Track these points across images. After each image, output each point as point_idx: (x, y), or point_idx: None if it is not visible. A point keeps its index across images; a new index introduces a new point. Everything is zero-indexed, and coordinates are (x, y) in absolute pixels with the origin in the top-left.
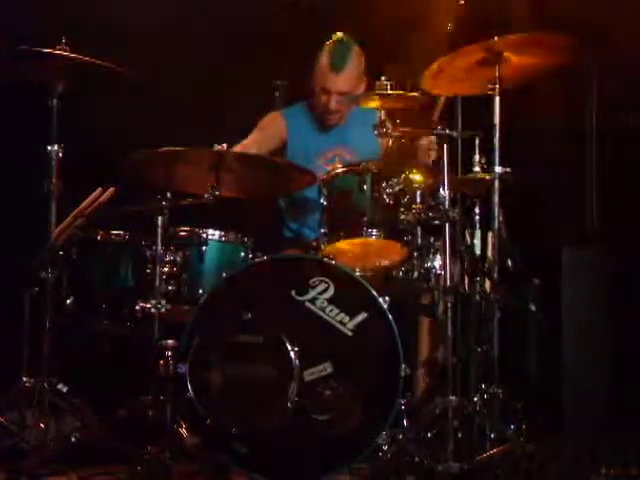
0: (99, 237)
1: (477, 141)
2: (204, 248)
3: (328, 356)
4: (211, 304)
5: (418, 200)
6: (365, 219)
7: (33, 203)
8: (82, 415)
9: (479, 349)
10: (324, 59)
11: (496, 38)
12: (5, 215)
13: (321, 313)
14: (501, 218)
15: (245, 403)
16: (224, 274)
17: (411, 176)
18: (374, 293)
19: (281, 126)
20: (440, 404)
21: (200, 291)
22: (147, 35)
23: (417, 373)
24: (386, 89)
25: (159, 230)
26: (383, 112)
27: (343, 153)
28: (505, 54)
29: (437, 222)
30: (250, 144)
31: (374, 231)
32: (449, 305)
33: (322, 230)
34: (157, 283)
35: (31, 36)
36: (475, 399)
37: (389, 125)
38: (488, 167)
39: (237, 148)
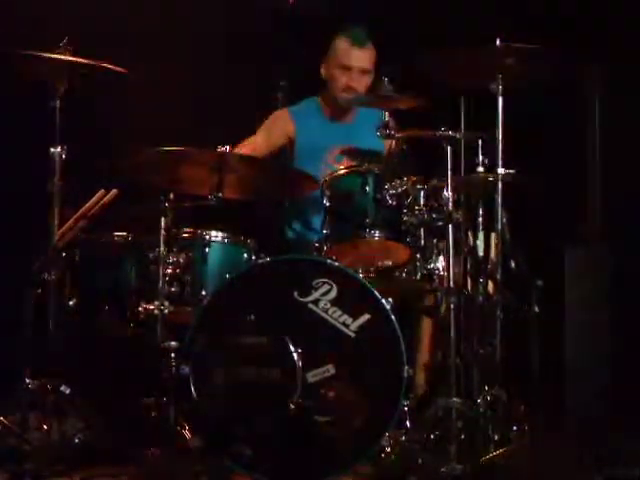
0: (102, 239)
1: (480, 142)
2: (207, 249)
3: (331, 358)
4: (214, 305)
5: (421, 201)
6: (368, 220)
7: (35, 204)
8: (85, 416)
9: (482, 350)
10: (343, 39)
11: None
12: (7, 216)
13: (324, 314)
14: (504, 219)
15: (248, 405)
16: (227, 275)
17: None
18: (377, 294)
19: (288, 124)
20: (443, 406)
21: (203, 292)
22: (148, 35)
23: (419, 375)
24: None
25: (162, 231)
26: (387, 113)
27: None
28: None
29: (440, 223)
30: (256, 143)
31: (377, 232)
32: (452, 306)
33: (325, 231)
34: (160, 284)
35: (33, 36)
36: (478, 401)
37: (392, 126)
38: (491, 168)
39: (243, 146)
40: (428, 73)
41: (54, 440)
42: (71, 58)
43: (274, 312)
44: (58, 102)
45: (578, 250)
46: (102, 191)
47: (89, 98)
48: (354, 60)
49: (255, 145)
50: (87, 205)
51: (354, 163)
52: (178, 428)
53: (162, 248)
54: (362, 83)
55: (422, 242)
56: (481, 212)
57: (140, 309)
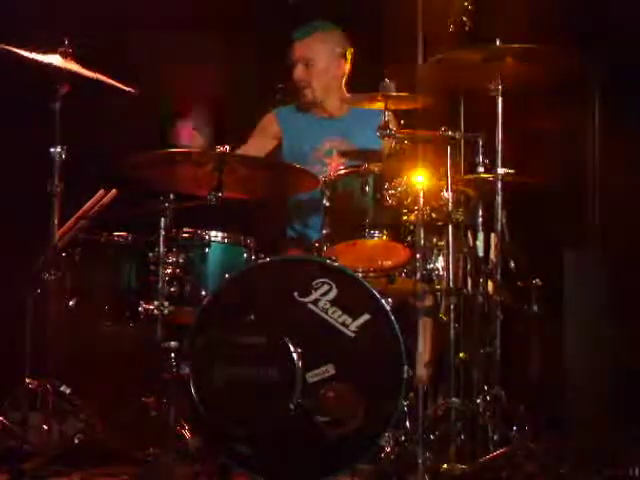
0: (102, 239)
1: (480, 142)
2: (207, 249)
3: (331, 358)
4: (214, 305)
5: (421, 201)
6: (368, 220)
7: (36, 204)
8: (85, 417)
9: (481, 350)
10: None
11: (498, 42)
12: (8, 216)
13: (324, 315)
14: (504, 219)
15: (248, 405)
16: (227, 275)
17: (414, 177)
18: (377, 294)
19: (274, 126)
20: (442, 405)
21: (203, 292)
22: (148, 35)
23: (419, 374)
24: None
25: (162, 232)
26: (388, 113)
27: (339, 145)
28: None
29: (440, 223)
30: (249, 148)
31: (377, 232)
32: (452, 306)
33: (325, 231)
34: (160, 285)
35: (33, 37)
36: (478, 400)
37: (393, 127)
38: (491, 168)
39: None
40: (428, 73)
41: (54, 440)
42: (66, 66)
43: (274, 312)
44: (58, 103)
45: (577, 250)
46: (102, 191)
47: (89, 98)
48: (295, 53)
49: (249, 152)
50: (87, 205)
51: (347, 160)
52: (178, 428)
53: (162, 248)
54: (310, 74)
55: (422, 242)
56: (481, 212)
57: (140, 309)
